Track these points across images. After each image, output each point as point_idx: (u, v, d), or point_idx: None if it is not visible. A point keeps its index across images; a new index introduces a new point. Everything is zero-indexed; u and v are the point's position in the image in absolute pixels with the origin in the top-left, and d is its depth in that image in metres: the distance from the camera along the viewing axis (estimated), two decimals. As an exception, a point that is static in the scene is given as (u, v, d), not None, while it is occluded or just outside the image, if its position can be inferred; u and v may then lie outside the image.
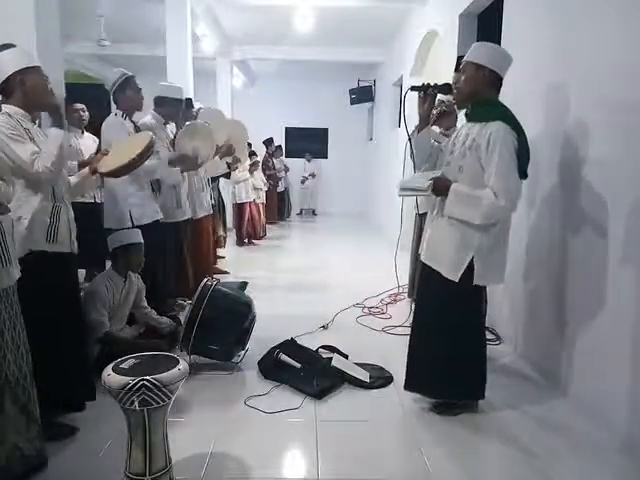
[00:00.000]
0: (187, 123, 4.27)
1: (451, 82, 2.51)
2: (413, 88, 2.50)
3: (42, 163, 2.14)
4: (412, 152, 2.57)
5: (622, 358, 2.34)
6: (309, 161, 12.43)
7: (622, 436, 2.33)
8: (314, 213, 12.54)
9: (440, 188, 2.32)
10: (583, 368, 2.69)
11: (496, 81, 2.33)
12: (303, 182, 12.33)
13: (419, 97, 2.51)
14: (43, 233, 2.23)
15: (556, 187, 2.99)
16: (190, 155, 3.90)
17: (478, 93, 2.32)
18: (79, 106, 4.54)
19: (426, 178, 2.35)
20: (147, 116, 3.88)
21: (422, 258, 2.57)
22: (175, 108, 3.98)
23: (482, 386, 2.55)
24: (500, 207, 2.19)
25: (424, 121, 2.52)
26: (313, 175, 12.41)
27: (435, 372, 2.50)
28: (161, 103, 3.91)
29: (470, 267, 2.33)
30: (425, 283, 2.60)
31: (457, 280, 2.34)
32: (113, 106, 3.55)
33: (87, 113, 4.61)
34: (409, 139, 2.56)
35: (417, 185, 2.37)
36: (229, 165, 5.29)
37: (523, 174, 2.28)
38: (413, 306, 2.89)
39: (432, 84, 2.47)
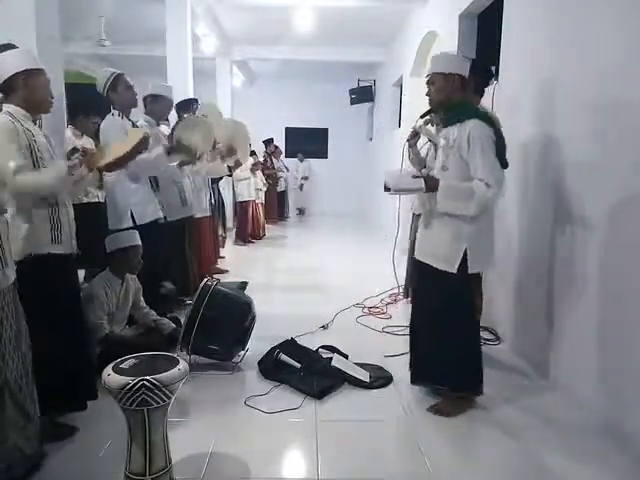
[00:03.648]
0: (185, 116, 4.24)
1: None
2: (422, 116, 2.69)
3: (24, 182, 2.05)
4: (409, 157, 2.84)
5: (601, 351, 2.51)
6: (301, 161, 12.42)
7: (602, 420, 2.47)
8: (302, 213, 12.56)
9: (431, 185, 2.46)
10: (570, 362, 2.80)
11: (464, 83, 2.52)
12: (301, 188, 12.35)
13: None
14: (47, 236, 2.21)
15: (549, 187, 3.00)
16: (187, 145, 3.77)
17: (450, 98, 2.50)
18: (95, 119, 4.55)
19: (411, 176, 2.51)
20: (139, 120, 3.82)
21: (416, 256, 2.69)
22: (168, 106, 3.95)
23: (479, 380, 2.61)
24: (492, 194, 2.37)
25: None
26: (306, 178, 12.42)
27: (437, 365, 2.59)
28: (155, 100, 3.86)
29: (464, 258, 2.46)
30: (420, 280, 2.72)
31: (455, 271, 2.45)
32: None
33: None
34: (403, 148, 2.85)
35: (411, 186, 2.50)
36: (230, 168, 5.29)
37: (503, 164, 2.46)
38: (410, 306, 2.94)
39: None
